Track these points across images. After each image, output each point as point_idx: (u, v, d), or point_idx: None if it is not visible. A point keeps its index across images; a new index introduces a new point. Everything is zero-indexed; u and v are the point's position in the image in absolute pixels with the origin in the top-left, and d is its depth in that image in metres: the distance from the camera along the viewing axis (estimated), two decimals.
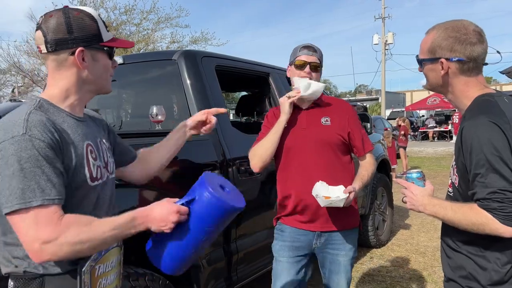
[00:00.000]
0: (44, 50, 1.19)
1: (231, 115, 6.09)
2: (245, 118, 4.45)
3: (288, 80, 2.26)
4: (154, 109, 2.53)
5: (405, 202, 1.49)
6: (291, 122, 2.05)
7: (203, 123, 1.77)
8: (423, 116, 28.67)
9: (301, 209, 2.04)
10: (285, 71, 2.19)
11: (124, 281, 1.79)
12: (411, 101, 38.26)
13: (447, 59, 1.36)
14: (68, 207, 1.14)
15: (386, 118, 21.71)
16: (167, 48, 16.48)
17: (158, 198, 2.07)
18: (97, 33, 1.23)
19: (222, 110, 1.82)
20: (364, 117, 4.67)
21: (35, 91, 16.28)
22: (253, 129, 3.03)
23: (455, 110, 17.92)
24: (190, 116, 2.57)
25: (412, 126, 21.51)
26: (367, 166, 2.12)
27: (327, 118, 2.07)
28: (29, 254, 1.08)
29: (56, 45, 1.18)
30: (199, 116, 1.75)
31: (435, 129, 22.21)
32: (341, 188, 1.89)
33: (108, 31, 1.29)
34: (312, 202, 1.95)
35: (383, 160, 4.98)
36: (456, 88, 1.40)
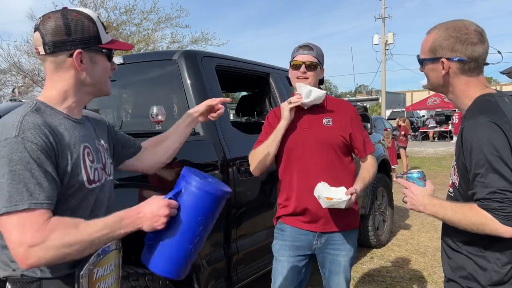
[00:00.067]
0: (42, 51, 1.18)
1: (231, 115, 6.08)
2: (245, 118, 4.45)
3: (289, 80, 2.26)
4: (155, 109, 2.54)
5: (406, 202, 1.49)
6: (293, 122, 2.05)
7: (211, 109, 1.74)
8: (423, 116, 28.67)
9: (302, 210, 2.04)
10: (285, 71, 2.19)
11: (124, 281, 1.79)
12: (411, 101, 38.27)
13: (448, 59, 1.36)
14: (65, 210, 1.13)
15: (387, 118, 21.71)
16: (167, 48, 16.48)
17: None
18: (95, 35, 1.23)
19: (228, 99, 1.80)
20: (364, 117, 4.67)
21: (36, 91, 16.28)
22: (253, 129, 3.04)
23: (455, 110, 17.94)
24: None
25: (412, 126, 21.52)
26: (368, 168, 2.12)
27: (329, 119, 2.07)
28: (15, 259, 1.06)
29: (54, 47, 1.17)
30: (209, 101, 1.71)
31: (436, 129, 22.21)
32: (342, 189, 1.89)
33: (107, 33, 1.28)
34: (313, 202, 1.94)
35: (383, 160, 4.98)
36: (457, 88, 1.40)
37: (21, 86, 18.24)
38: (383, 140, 5.58)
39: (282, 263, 2.09)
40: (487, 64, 1.40)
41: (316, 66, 2.06)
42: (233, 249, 2.58)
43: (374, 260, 4.42)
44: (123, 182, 1.90)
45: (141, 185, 2.07)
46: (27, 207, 1.04)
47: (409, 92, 46.97)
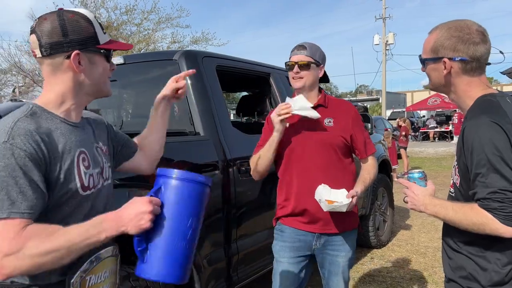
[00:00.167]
0: (38, 54, 1.16)
1: (231, 115, 6.09)
2: (245, 118, 4.45)
3: (289, 80, 2.26)
4: None
5: (407, 202, 1.49)
6: (293, 122, 2.04)
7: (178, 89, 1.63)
8: (423, 116, 28.67)
9: (301, 210, 2.04)
10: (286, 71, 2.19)
11: (124, 281, 1.79)
12: (412, 102, 38.26)
13: (450, 59, 1.36)
14: (59, 217, 1.11)
15: (387, 118, 21.70)
16: (167, 48, 16.48)
17: None
18: (93, 35, 1.20)
19: (191, 71, 1.70)
20: (364, 117, 4.66)
21: (36, 91, 16.29)
22: (254, 129, 3.03)
23: (455, 110, 17.94)
24: (191, 116, 2.60)
25: (413, 127, 21.51)
26: (369, 169, 2.11)
27: (330, 120, 2.06)
28: None
29: (51, 49, 1.15)
30: (173, 84, 1.58)
31: (436, 130, 22.21)
32: (343, 192, 1.88)
33: (105, 33, 1.25)
34: (312, 203, 1.94)
35: (383, 160, 4.98)
36: (459, 88, 1.40)
37: (22, 86, 18.26)
38: (383, 140, 5.58)
39: (283, 264, 2.09)
40: (489, 64, 1.40)
41: (309, 65, 2.03)
42: (234, 249, 2.58)
43: (374, 260, 4.42)
44: (123, 182, 1.90)
45: (141, 185, 2.07)
46: (6, 216, 1.01)
47: (410, 92, 46.97)
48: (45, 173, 1.08)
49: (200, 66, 2.68)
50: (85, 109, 1.36)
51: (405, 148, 11.15)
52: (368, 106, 30.66)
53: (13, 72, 16.50)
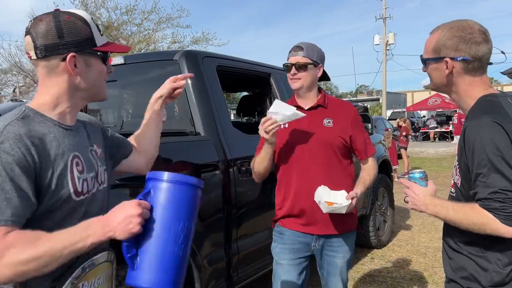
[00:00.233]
0: (33, 56, 1.13)
1: (232, 115, 6.09)
2: (246, 118, 4.45)
3: None
4: None
5: (407, 202, 1.49)
6: (292, 123, 2.04)
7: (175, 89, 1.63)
8: (424, 116, 28.66)
9: (299, 211, 2.03)
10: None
11: (123, 281, 1.78)
12: (412, 102, 38.24)
13: (452, 59, 1.36)
14: (51, 223, 1.08)
15: (387, 118, 21.71)
16: (168, 48, 16.50)
17: None
18: (89, 37, 1.17)
19: (190, 74, 1.71)
20: (365, 117, 4.66)
21: (36, 91, 16.30)
22: (254, 130, 3.02)
23: (456, 110, 17.94)
24: (191, 116, 2.60)
25: (413, 127, 21.52)
26: (369, 170, 2.11)
27: (330, 120, 2.05)
28: None
29: (46, 51, 1.12)
30: (171, 84, 1.60)
31: (436, 130, 22.20)
32: (343, 193, 1.87)
33: (102, 34, 1.22)
34: (310, 204, 1.94)
35: (384, 160, 4.98)
36: (460, 88, 1.40)
37: (22, 86, 18.29)
38: (383, 140, 5.58)
39: (282, 267, 2.08)
40: (491, 63, 1.40)
41: (306, 66, 2.01)
42: (234, 249, 2.57)
43: (374, 260, 4.42)
44: (123, 183, 1.90)
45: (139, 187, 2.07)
46: None
47: (410, 93, 46.94)
48: (35, 179, 1.04)
49: (200, 66, 2.68)
50: (82, 111, 1.34)
51: (405, 148, 11.15)
52: (369, 106, 30.66)
53: (14, 72, 16.54)
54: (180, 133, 2.61)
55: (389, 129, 11.28)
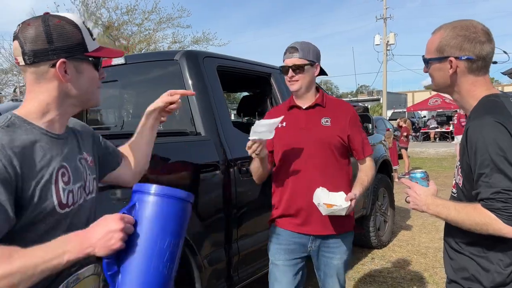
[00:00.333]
0: (21, 62, 1.08)
1: (232, 115, 6.09)
2: (246, 118, 4.45)
3: None
4: None
5: (408, 202, 1.49)
6: (290, 122, 2.03)
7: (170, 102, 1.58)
8: (424, 116, 28.66)
9: (295, 211, 2.02)
10: None
11: None
12: (413, 102, 38.25)
13: (456, 58, 1.35)
14: (34, 237, 1.03)
15: (388, 118, 21.71)
16: (168, 48, 16.51)
17: None
18: (81, 42, 1.12)
19: (190, 92, 1.67)
20: (365, 117, 4.66)
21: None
22: None
23: (456, 110, 17.94)
24: (192, 116, 2.60)
25: (413, 127, 21.52)
26: (366, 170, 2.09)
27: (327, 119, 2.04)
28: None
29: (34, 57, 1.06)
30: (167, 98, 1.54)
31: (437, 130, 22.19)
32: (342, 194, 1.87)
33: (93, 39, 1.17)
34: (307, 203, 1.93)
35: (384, 161, 4.98)
36: (463, 88, 1.39)
37: (23, 86, 18.28)
38: (384, 140, 5.58)
39: (278, 267, 2.07)
40: (495, 62, 1.40)
41: (303, 67, 2.00)
42: (234, 249, 2.57)
43: (375, 260, 4.42)
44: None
45: None
46: None
47: (411, 93, 46.93)
48: (16, 191, 0.99)
49: (201, 66, 2.68)
50: (82, 111, 1.29)
51: (406, 149, 11.15)
52: (369, 106, 30.63)
53: (14, 72, 16.55)
54: (180, 133, 2.61)
55: (390, 130, 11.28)
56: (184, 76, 2.62)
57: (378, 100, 38.76)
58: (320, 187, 1.88)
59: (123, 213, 1.08)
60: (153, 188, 1.11)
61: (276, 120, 1.83)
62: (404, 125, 11.40)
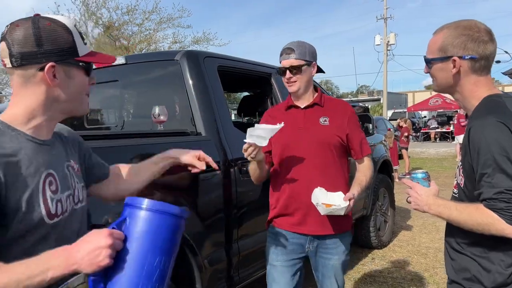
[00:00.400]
0: (8, 64, 1.04)
1: (233, 115, 6.09)
2: (247, 118, 4.45)
3: None
4: (157, 109, 2.54)
5: (410, 202, 1.48)
6: (288, 121, 2.03)
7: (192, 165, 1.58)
8: (425, 117, 28.63)
9: (293, 210, 2.01)
10: None
11: None
12: (413, 102, 38.23)
13: (459, 57, 1.35)
14: (22, 249, 0.99)
15: (388, 119, 21.71)
16: (169, 48, 16.51)
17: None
18: (71, 46, 1.08)
19: (215, 166, 1.60)
20: (366, 118, 4.66)
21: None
22: None
23: (457, 111, 17.95)
24: (192, 116, 2.59)
25: (414, 127, 21.52)
26: (364, 170, 2.08)
27: (326, 118, 2.03)
28: None
29: (22, 59, 1.03)
30: (193, 160, 1.53)
31: (437, 130, 22.18)
32: (340, 194, 1.86)
33: (85, 43, 1.14)
34: (305, 203, 1.92)
35: (385, 161, 4.97)
36: (465, 88, 1.39)
37: None
38: (384, 140, 5.58)
39: (276, 268, 2.06)
40: (499, 62, 1.40)
41: (300, 67, 1.98)
42: (235, 249, 2.57)
43: (375, 260, 4.42)
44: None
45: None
46: None
47: (411, 93, 46.88)
48: (0, 200, 0.95)
49: (201, 66, 2.68)
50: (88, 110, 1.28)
51: (406, 149, 11.15)
52: (369, 106, 30.62)
53: None
54: (181, 133, 2.61)
55: (391, 130, 11.29)
56: (184, 76, 2.62)
57: (379, 100, 38.72)
58: (318, 187, 1.88)
59: (113, 228, 1.03)
60: (145, 202, 1.06)
61: (275, 127, 1.81)
62: (404, 125, 11.40)
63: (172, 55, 2.75)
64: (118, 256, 1.01)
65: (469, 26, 1.35)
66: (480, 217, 1.25)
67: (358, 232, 4.52)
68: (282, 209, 2.05)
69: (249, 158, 1.89)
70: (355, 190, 1.93)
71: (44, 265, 0.94)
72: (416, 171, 1.55)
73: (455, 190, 1.47)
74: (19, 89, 1.07)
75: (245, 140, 1.83)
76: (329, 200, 1.83)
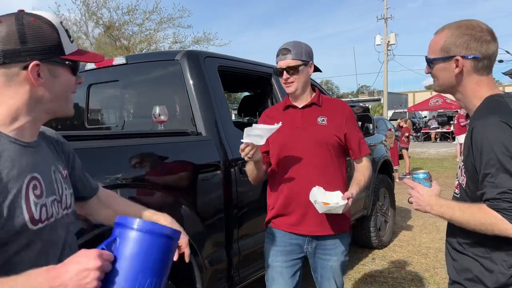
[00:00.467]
0: None
1: (233, 115, 6.09)
2: (247, 118, 4.45)
3: None
4: (157, 109, 2.54)
5: (411, 203, 1.48)
6: (286, 121, 2.02)
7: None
8: (425, 117, 28.64)
9: (291, 210, 2.01)
10: None
11: None
12: (414, 102, 38.20)
13: (462, 57, 1.35)
14: (5, 257, 0.95)
15: (388, 119, 21.70)
16: (169, 48, 16.52)
17: (157, 201, 2.09)
18: (57, 44, 1.03)
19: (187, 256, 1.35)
20: (366, 118, 4.66)
21: None
22: None
23: (457, 111, 17.94)
24: (193, 116, 2.59)
25: (414, 127, 21.52)
26: (363, 170, 2.07)
27: (324, 118, 2.03)
28: None
29: (4, 57, 0.97)
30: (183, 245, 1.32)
31: (438, 130, 22.18)
32: (338, 193, 1.86)
33: (72, 41, 1.09)
34: (303, 203, 1.92)
35: (385, 161, 4.97)
36: (467, 88, 1.39)
37: None
38: (385, 140, 5.57)
39: (275, 269, 2.06)
40: (501, 61, 1.40)
41: (297, 68, 1.98)
42: (235, 249, 2.57)
43: (375, 261, 4.42)
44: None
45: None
46: None
47: (411, 93, 46.84)
48: None
49: (202, 66, 2.68)
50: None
51: (406, 149, 11.15)
52: (370, 106, 30.61)
53: None
54: (181, 133, 2.61)
55: (392, 130, 11.29)
56: (185, 76, 2.62)
57: (379, 100, 38.71)
58: (317, 186, 1.88)
59: (102, 248, 0.98)
60: (137, 222, 1.02)
61: (273, 127, 1.81)
62: (405, 125, 11.40)
63: (172, 55, 2.75)
64: (108, 277, 0.97)
65: (472, 26, 1.35)
66: (483, 217, 1.24)
67: (358, 232, 4.52)
68: (280, 209, 2.04)
69: (246, 158, 1.88)
70: (353, 189, 1.93)
71: (31, 283, 0.89)
72: (418, 171, 1.54)
73: (456, 190, 1.46)
74: (2, 89, 1.01)
75: (242, 140, 1.82)
76: (327, 199, 1.83)
